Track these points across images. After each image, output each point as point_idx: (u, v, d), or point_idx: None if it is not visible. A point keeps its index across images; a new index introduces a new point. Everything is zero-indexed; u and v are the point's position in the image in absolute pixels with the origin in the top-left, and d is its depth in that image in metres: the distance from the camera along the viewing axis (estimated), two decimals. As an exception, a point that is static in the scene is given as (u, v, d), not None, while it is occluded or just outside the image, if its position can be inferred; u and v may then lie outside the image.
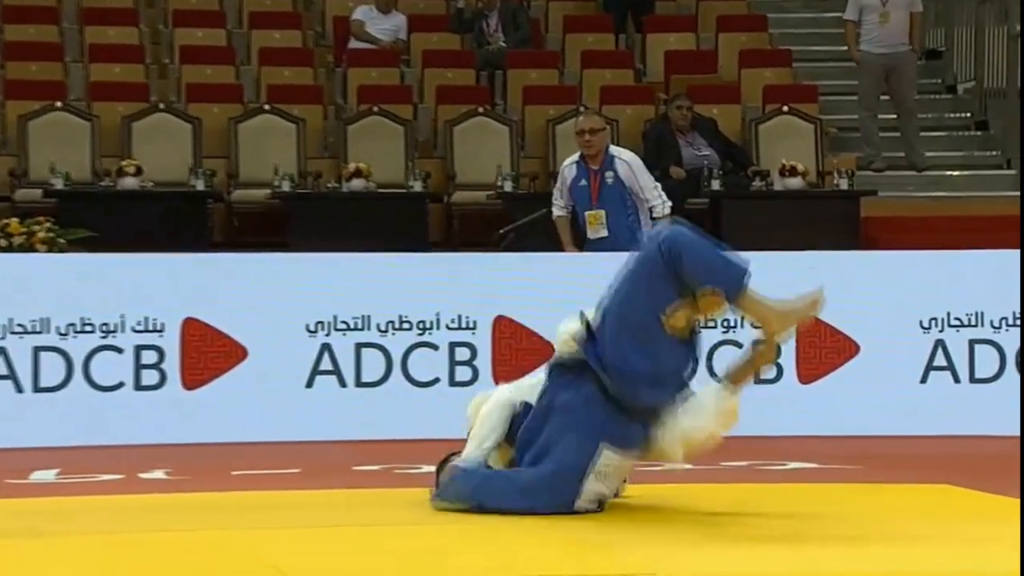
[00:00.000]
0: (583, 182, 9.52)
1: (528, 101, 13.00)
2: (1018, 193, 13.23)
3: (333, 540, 5.04)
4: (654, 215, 9.57)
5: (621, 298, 5.18)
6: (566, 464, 5.09)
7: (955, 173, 13.42)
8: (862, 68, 12.93)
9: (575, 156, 9.69)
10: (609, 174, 9.47)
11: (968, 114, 14.10)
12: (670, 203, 9.64)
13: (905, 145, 13.10)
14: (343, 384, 8.46)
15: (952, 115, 14.10)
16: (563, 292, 8.64)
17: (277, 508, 5.83)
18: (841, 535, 5.10)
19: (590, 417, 5.12)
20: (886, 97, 13.05)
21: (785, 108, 12.70)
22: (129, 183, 11.47)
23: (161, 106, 12.45)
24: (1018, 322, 8.65)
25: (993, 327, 8.67)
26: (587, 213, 9.46)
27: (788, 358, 8.58)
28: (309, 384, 8.43)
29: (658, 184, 9.67)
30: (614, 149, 9.68)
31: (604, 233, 9.45)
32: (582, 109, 10.33)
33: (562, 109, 12.68)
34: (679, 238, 5.17)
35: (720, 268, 5.14)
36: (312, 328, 8.46)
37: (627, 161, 9.57)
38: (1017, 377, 8.58)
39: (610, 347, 5.12)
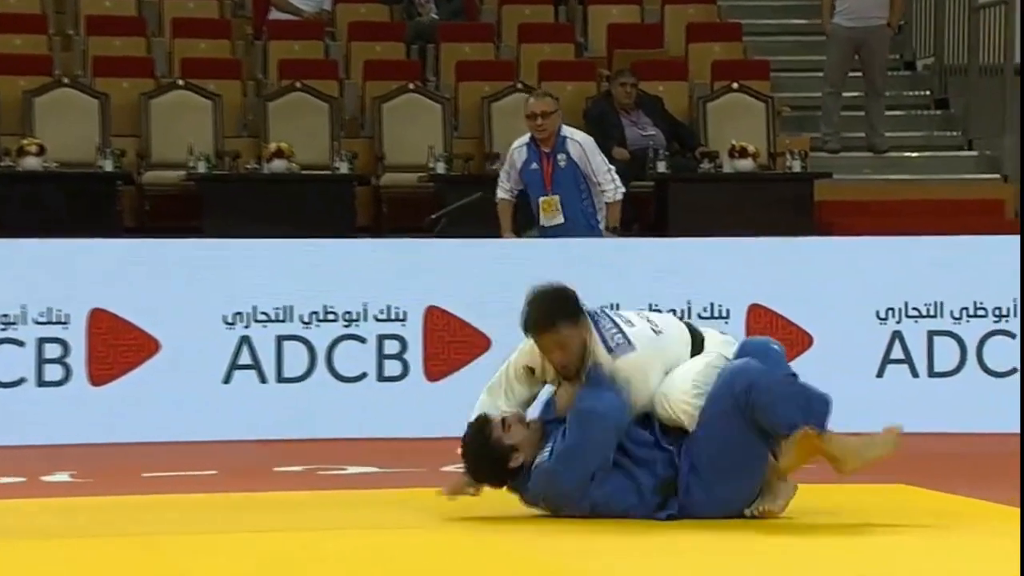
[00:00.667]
0: (534, 165, 9.52)
1: (462, 77, 12.98)
2: (981, 175, 13.36)
3: (245, 546, 5.01)
4: (605, 199, 9.58)
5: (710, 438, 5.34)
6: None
7: (914, 154, 13.52)
8: (831, 41, 12.97)
9: (524, 138, 9.69)
10: (562, 156, 9.47)
11: (927, 92, 14.22)
12: (623, 188, 9.67)
13: (867, 126, 13.19)
14: (263, 379, 8.42)
15: (911, 93, 14.21)
16: (500, 281, 8.64)
17: (190, 512, 5.80)
18: (792, 540, 5.13)
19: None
20: (854, 74, 13.11)
21: (735, 85, 12.75)
22: (31, 163, 11.35)
23: (65, 80, 12.33)
24: (980, 312, 8.74)
25: (953, 318, 8.76)
26: (541, 200, 9.47)
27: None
28: (227, 380, 8.39)
29: (612, 167, 9.69)
30: (566, 129, 9.68)
31: (560, 220, 9.47)
32: (535, 92, 10.29)
33: (498, 86, 12.67)
34: (754, 382, 5.29)
35: (803, 404, 5.29)
36: (230, 320, 8.42)
37: (579, 142, 9.58)
38: (979, 371, 8.67)
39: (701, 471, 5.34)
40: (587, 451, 5.30)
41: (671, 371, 5.39)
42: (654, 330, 5.48)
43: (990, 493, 6.07)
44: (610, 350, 5.34)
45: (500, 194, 9.74)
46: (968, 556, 4.82)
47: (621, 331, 5.41)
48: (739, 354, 5.49)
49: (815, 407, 5.27)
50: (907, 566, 4.71)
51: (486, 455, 5.40)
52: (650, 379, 5.37)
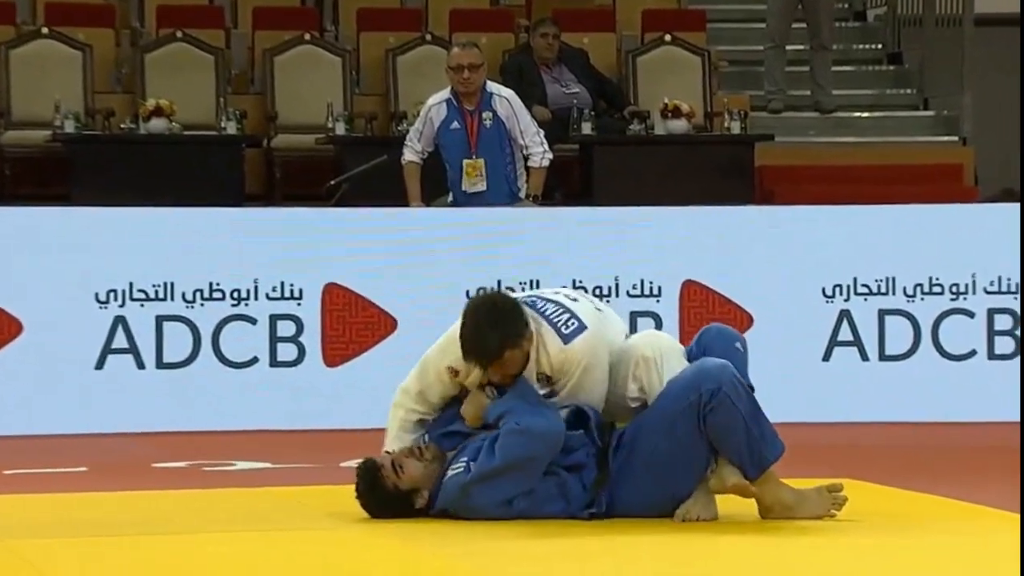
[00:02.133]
0: (455, 124, 9.49)
1: (364, 27, 12.94)
2: (937, 137, 13.49)
3: (116, 551, 5.00)
4: (529, 164, 9.58)
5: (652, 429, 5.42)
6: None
7: (864, 114, 13.65)
8: (774, -11, 13.08)
9: (444, 93, 9.66)
10: (488, 115, 9.45)
11: (879, 45, 14.35)
12: (550, 154, 9.68)
13: (812, 83, 13.29)
14: (141, 365, 8.40)
15: (861, 46, 14.33)
16: (407, 256, 8.65)
17: (54, 513, 5.78)
18: (735, 540, 5.19)
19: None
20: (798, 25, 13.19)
21: (668, 38, 12.80)
22: None
23: (-85, 29, 12.19)
24: (935, 289, 8.85)
25: (907, 295, 8.86)
26: (466, 163, 9.44)
27: (669, 331, 8.68)
28: (99, 365, 8.35)
29: (540, 129, 9.70)
30: (491, 85, 9.67)
31: (483, 187, 9.46)
32: (459, 42, 10.25)
33: (404, 37, 12.65)
34: (723, 396, 5.39)
35: (755, 452, 5.41)
36: (103, 298, 8.37)
37: (507, 98, 9.57)
38: (935, 354, 8.78)
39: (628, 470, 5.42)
40: (514, 474, 5.36)
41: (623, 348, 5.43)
42: (596, 308, 5.53)
43: (948, 489, 6.16)
44: (564, 338, 5.37)
45: (408, 155, 9.70)
46: (916, 558, 4.89)
47: (569, 311, 5.44)
48: (702, 347, 5.54)
49: (765, 457, 5.43)
50: (848, 568, 4.77)
51: (387, 505, 5.44)
52: (604, 359, 5.41)
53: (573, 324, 5.40)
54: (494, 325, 5.33)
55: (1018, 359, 8.68)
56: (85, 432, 8.10)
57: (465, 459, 5.40)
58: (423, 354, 5.57)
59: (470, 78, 9.39)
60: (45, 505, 6.03)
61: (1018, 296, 8.77)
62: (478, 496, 5.36)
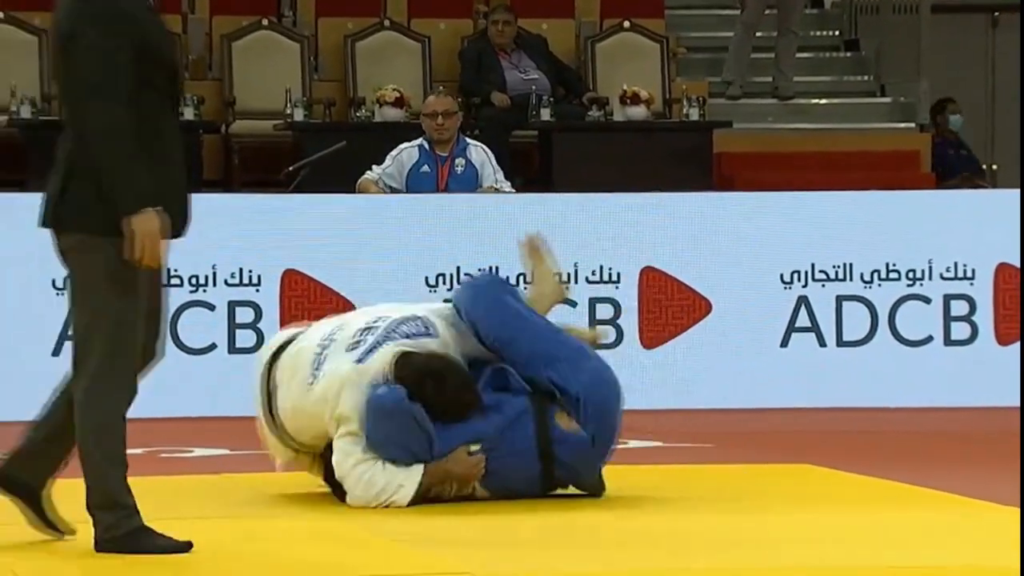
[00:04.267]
0: (426, 168, 9.47)
1: (322, 12, 12.90)
2: (894, 124, 13.54)
3: (71, 538, 5.00)
4: (497, 187, 9.55)
5: None
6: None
7: (822, 101, 13.69)
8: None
9: (417, 140, 9.66)
10: (460, 161, 9.45)
11: (836, 32, 14.40)
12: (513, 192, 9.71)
13: (775, 69, 13.33)
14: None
15: (818, 33, 14.37)
16: (366, 240, 8.65)
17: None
18: (685, 527, 5.22)
19: None
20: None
21: (626, 24, 12.81)
22: None
23: None
24: (892, 276, 8.90)
25: (864, 281, 8.91)
26: None
27: (628, 318, 8.72)
28: (56, 352, 8.32)
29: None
30: (467, 139, 9.70)
31: None
32: (435, 89, 10.26)
33: (363, 23, 12.62)
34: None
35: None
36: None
37: (483, 148, 9.60)
38: (892, 339, 8.84)
39: None
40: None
41: None
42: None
43: (902, 474, 6.21)
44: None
45: (368, 175, 9.54)
46: (867, 539, 4.94)
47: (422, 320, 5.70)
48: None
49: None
50: (799, 550, 4.81)
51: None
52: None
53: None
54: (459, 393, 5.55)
55: (972, 345, 8.74)
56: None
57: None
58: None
59: (444, 124, 9.44)
60: None
61: (973, 282, 8.83)
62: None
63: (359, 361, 5.56)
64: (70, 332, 4.92)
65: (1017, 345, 8.68)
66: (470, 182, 9.44)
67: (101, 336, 4.63)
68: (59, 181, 4.69)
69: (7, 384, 8.23)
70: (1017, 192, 8.80)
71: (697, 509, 5.52)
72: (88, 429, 4.68)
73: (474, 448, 5.51)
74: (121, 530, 4.69)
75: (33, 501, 4.86)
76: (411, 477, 5.48)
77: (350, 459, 5.48)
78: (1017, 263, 8.74)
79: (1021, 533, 4.69)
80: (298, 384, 5.66)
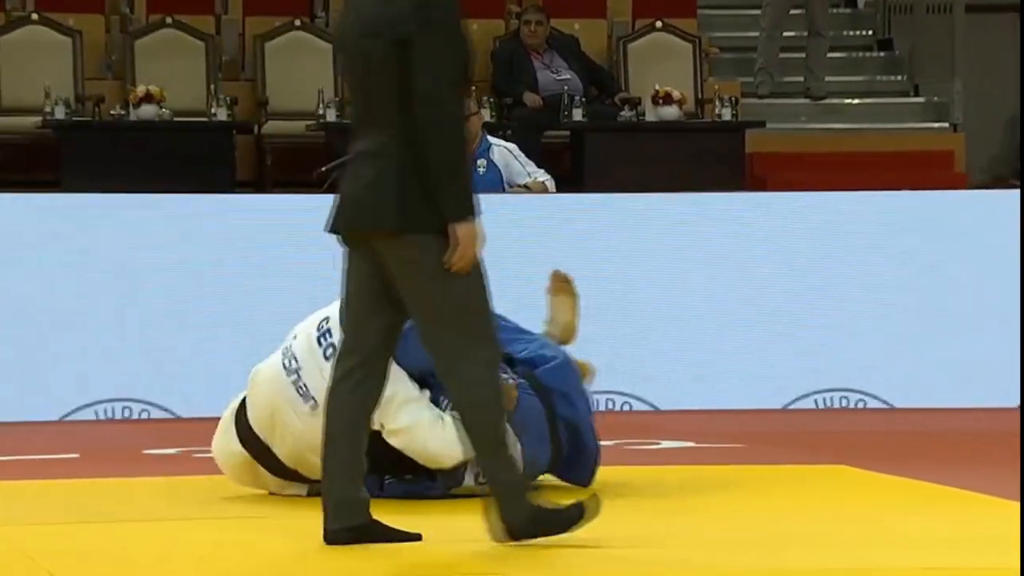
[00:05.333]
0: None
1: (354, 12, 12.94)
2: (928, 124, 13.51)
3: (103, 538, 5.01)
4: (536, 178, 9.50)
5: None
6: None
7: (855, 101, 13.67)
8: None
9: None
10: (482, 162, 9.45)
11: (870, 32, 14.37)
12: (553, 184, 9.67)
13: (805, 70, 13.31)
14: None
15: (852, 33, 14.35)
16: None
17: (49, 499, 5.80)
18: (730, 525, 5.22)
19: None
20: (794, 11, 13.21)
21: (659, 24, 12.80)
22: None
23: (-97, 15, 12.16)
24: (923, 278, 8.87)
25: (895, 282, 8.89)
26: None
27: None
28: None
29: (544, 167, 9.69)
30: (492, 139, 9.66)
31: None
32: None
33: (395, 23, 12.65)
34: None
35: None
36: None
37: (506, 147, 9.58)
38: (934, 339, 8.81)
39: None
40: None
41: None
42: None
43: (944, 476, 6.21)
44: None
45: None
46: (906, 541, 4.94)
47: None
48: None
49: None
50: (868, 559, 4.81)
51: None
52: None
53: None
54: None
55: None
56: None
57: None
58: None
59: None
60: (36, 492, 6.05)
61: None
62: None
63: None
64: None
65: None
66: (494, 183, 9.43)
67: (472, 327, 4.70)
68: (385, 184, 4.70)
69: (49, 381, 8.28)
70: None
71: (732, 510, 5.51)
72: (490, 419, 4.73)
73: (511, 382, 5.55)
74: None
75: (370, 532, 4.83)
76: (453, 441, 5.43)
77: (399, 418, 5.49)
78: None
79: (1021, 533, 4.68)
80: (300, 423, 5.62)
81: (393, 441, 5.51)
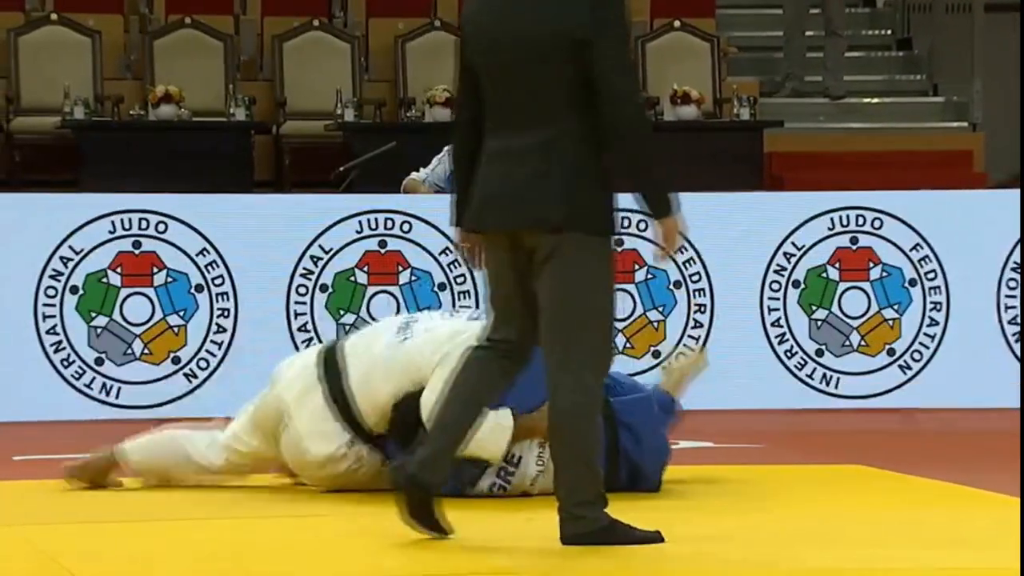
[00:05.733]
0: None
1: (373, 13, 12.96)
2: (947, 123, 13.50)
3: (129, 536, 5.03)
4: None
5: None
6: None
7: (874, 100, 13.66)
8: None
9: None
10: None
11: (889, 31, 14.35)
12: None
13: (824, 70, 13.30)
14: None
15: (870, 32, 14.35)
16: (418, 241, 8.69)
17: (70, 499, 5.82)
18: (754, 524, 5.22)
19: None
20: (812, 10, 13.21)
21: (677, 23, 12.81)
22: None
23: (-78, 15, 12.21)
24: (939, 274, 8.86)
25: (912, 283, 8.88)
26: None
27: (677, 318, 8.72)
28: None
29: None
30: None
31: None
32: None
33: (414, 23, 12.67)
34: None
35: None
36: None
37: None
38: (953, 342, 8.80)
39: None
40: None
41: None
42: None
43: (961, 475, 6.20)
44: None
45: (414, 175, 9.56)
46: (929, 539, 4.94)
47: None
48: None
49: None
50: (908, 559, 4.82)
51: None
52: None
53: None
54: None
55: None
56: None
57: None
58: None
59: None
60: (56, 491, 6.07)
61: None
62: None
63: (473, 319, 5.65)
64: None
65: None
66: None
67: (596, 334, 4.75)
68: (555, 180, 4.74)
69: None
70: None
71: (753, 509, 5.51)
72: (584, 428, 4.75)
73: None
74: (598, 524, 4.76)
75: (428, 501, 4.85)
76: (503, 431, 5.49)
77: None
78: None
79: (1021, 533, 4.69)
80: (383, 346, 5.71)
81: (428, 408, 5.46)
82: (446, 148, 9.53)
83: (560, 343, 4.75)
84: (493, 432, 5.43)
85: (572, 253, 4.73)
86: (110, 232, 8.44)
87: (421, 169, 9.54)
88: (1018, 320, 8.74)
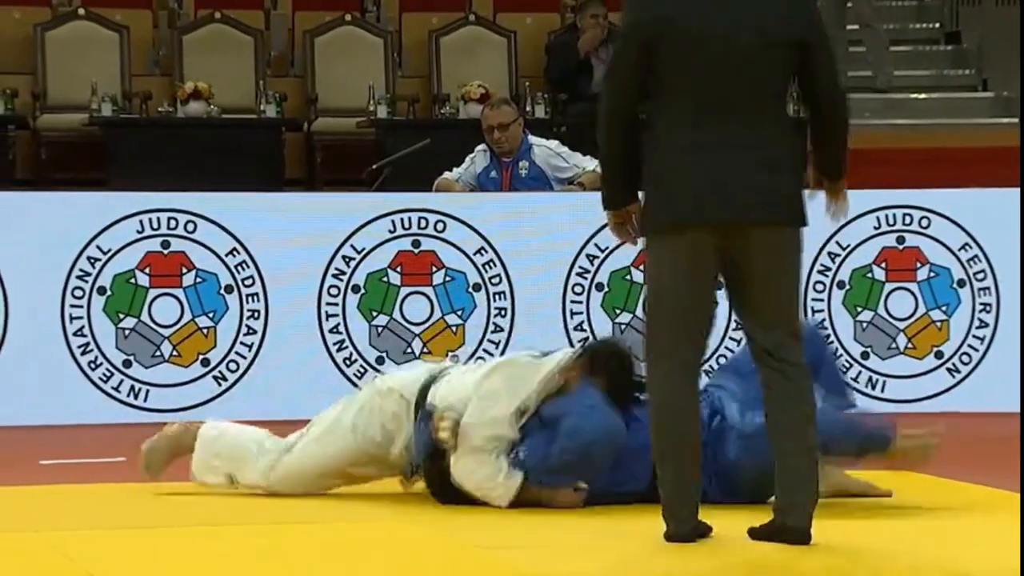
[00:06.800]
0: (493, 174, 9.50)
1: (406, 8, 12.98)
2: (997, 119, 13.45)
3: (152, 543, 5.04)
4: (586, 168, 9.44)
5: None
6: None
7: (921, 96, 13.62)
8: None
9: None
10: (523, 164, 9.43)
11: (937, 24, 14.31)
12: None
13: (867, 64, 13.28)
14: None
15: (918, 25, 14.30)
16: (453, 241, 8.71)
17: (97, 504, 5.84)
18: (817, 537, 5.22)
19: None
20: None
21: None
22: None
23: (-52, 10, 12.28)
24: (989, 274, 8.83)
25: (960, 284, 8.86)
26: None
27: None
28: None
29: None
30: (534, 139, 9.63)
31: None
32: (491, 100, 10.13)
33: (448, 18, 12.69)
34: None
35: None
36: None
37: (548, 147, 9.55)
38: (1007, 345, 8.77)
39: None
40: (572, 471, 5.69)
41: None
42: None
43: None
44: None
45: (447, 175, 9.57)
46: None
47: None
48: None
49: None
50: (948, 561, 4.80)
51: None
52: None
53: None
54: None
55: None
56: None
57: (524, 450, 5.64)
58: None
59: (501, 138, 9.36)
60: (83, 496, 6.10)
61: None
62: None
63: (537, 356, 5.77)
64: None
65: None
66: (539, 182, 9.41)
67: (797, 305, 5.06)
68: (789, 175, 5.12)
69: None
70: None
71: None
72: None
73: (582, 486, 5.59)
74: None
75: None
76: (510, 487, 5.57)
77: (469, 442, 5.60)
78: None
79: (1021, 534, 4.68)
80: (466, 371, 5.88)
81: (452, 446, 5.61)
82: (479, 147, 9.55)
83: (782, 315, 4.98)
84: (495, 492, 5.57)
85: (794, 247, 5.04)
86: (138, 232, 8.48)
87: (454, 168, 9.56)
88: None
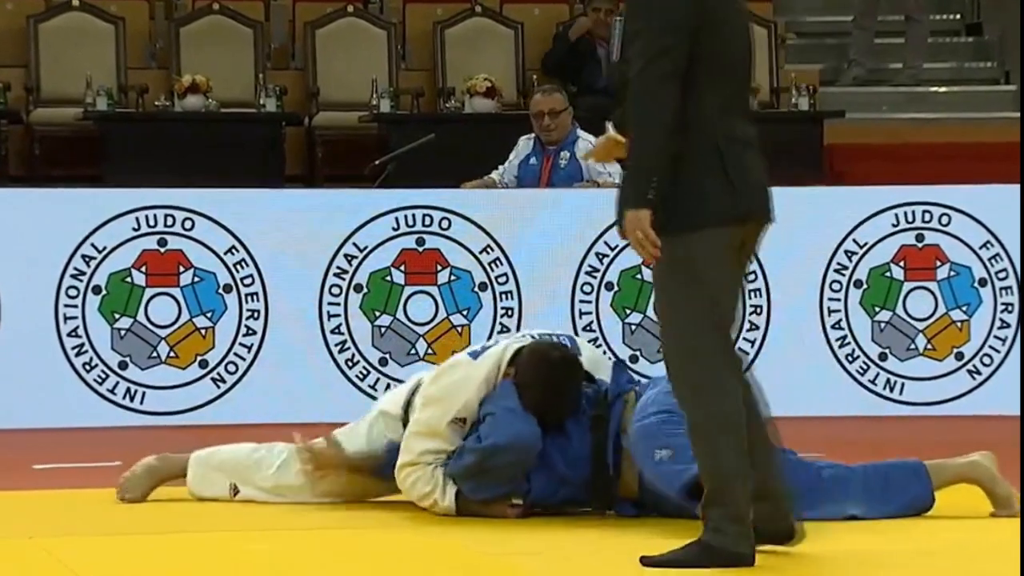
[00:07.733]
0: (533, 161, 9.53)
1: (410, -2, 13.00)
2: (1019, 113, 13.44)
3: (147, 549, 5.05)
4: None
5: None
6: None
7: (941, 89, 13.61)
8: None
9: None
10: (564, 154, 9.46)
11: (958, 15, 14.30)
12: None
13: (902, 56, 13.27)
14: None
15: (939, 17, 14.30)
16: (458, 239, 8.72)
17: (91, 510, 5.86)
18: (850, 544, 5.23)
19: None
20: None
21: (733, 8, 12.78)
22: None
23: (-61, 1, 12.29)
24: (1011, 273, 8.83)
25: (981, 285, 8.86)
26: None
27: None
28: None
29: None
30: (581, 132, 9.66)
31: None
32: (541, 87, 10.17)
33: (453, 9, 12.68)
34: None
35: None
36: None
37: (591, 140, 9.57)
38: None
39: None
40: (487, 479, 5.64)
41: None
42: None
43: None
44: None
45: (493, 175, 9.60)
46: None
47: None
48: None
49: None
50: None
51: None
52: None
53: None
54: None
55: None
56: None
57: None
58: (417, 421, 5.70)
59: (550, 125, 9.41)
60: (78, 501, 6.11)
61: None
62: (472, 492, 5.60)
63: (473, 355, 5.70)
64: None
65: None
66: (573, 177, 9.44)
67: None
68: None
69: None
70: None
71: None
72: None
73: (517, 501, 5.60)
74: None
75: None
76: (447, 501, 5.62)
77: (408, 454, 5.64)
78: None
79: (1021, 537, 4.67)
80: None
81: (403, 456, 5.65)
82: (522, 137, 9.56)
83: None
84: (434, 505, 5.60)
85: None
86: (134, 229, 8.50)
87: (500, 167, 9.57)
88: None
